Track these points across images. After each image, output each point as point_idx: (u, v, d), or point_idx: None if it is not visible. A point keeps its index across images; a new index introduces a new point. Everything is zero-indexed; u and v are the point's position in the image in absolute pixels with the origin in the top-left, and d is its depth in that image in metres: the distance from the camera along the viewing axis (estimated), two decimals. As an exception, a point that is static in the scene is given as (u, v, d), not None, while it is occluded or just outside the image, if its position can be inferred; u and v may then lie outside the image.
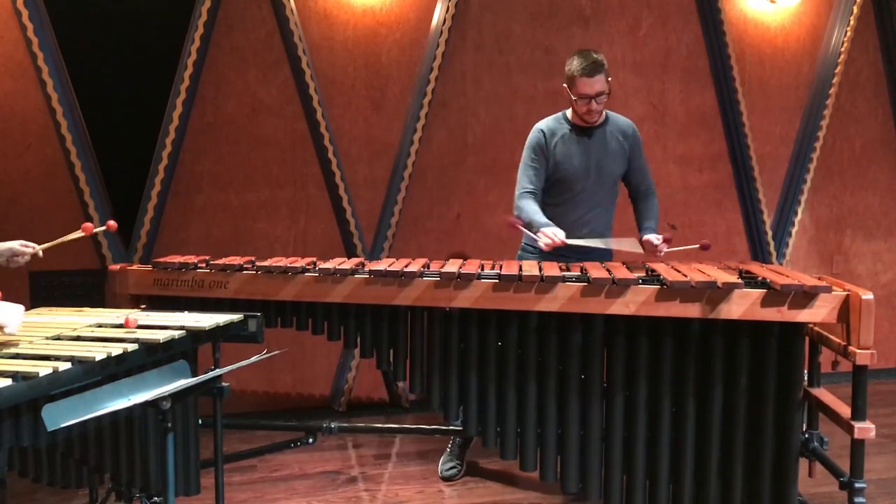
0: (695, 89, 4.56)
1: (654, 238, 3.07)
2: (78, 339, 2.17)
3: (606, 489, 2.64)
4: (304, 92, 4.03)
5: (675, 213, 4.59)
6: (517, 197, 3.13)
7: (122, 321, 2.36)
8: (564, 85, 3.10)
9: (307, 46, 4.01)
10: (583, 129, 3.14)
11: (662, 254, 3.03)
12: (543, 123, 3.19)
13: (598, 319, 2.58)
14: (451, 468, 3.34)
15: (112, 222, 2.93)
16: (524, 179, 3.13)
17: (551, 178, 3.14)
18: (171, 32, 3.88)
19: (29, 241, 2.56)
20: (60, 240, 2.70)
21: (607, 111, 3.21)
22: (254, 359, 2.14)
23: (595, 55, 3.03)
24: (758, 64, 4.63)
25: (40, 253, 2.56)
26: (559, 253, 2.95)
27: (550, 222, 2.98)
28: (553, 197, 3.17)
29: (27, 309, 2.57)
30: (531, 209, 3.04)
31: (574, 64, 3.03)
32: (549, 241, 2.89)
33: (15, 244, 2.53)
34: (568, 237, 2.94)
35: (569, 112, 3.18)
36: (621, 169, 3.21)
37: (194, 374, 2.26)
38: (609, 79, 3.07)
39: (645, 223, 3.20)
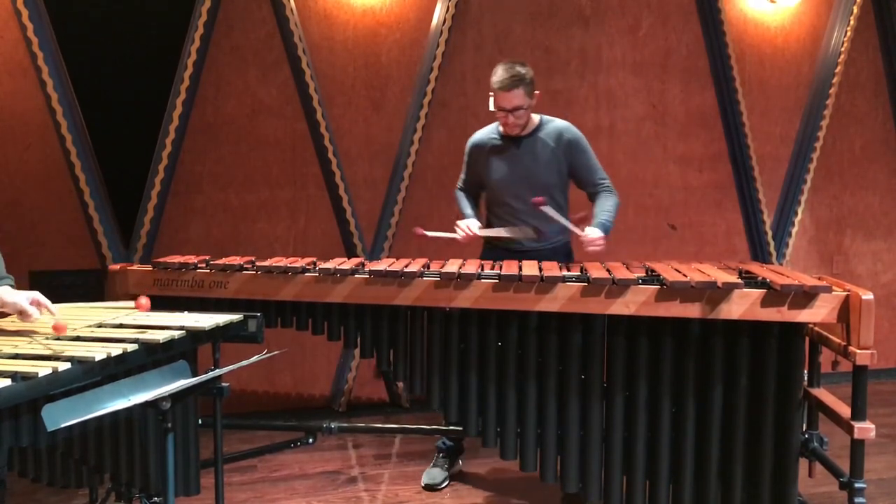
0: (695, 89, 4.56)
1: (591, 231, 2.99)
2: (78, 339, 2.16)
3: (606, 489, 2.64)
4: (304, 92, 4.03)
5: (675, 213, 4.59)
6: (457, 189, 3.37)
7: (119, 322, 2.36)
8: (490, 94, 3.07)
9: (307, 46, 4.01)
10: (512, 139, 3.13)
11: (589, 248, 2.98)
12: (476, 135, 3.26)
13: (598, 319, 2.58)
14: (438, 479, 3.29)
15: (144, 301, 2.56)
16: (463, 180, 3.35)
17: (485, 188, 3.26)
18: (171, 32, 3.88)
19: (29, 242, 2.49)
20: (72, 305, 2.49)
21: (543, 116, 3.18)
22: (254, 359, 2.14)
23: (518, 69, 2.98)
24: (758, 64, 4.63)
25: (52, 311, 2.19)
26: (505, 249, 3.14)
27: (472, 215, 3.22)
28: (491, 207, 3.26)
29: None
30: (462, 202, 3.32)
31: (495, 76, 3.01)
32: (463, 234, 3.11)
33: (23, 301, 2.16)
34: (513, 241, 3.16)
35: None
36: (557, 177, 3.13)
37: (194, 375, 2.25)
38: (536, 92, 3.05)
39: (595, 219, 3.08)
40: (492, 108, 3.05)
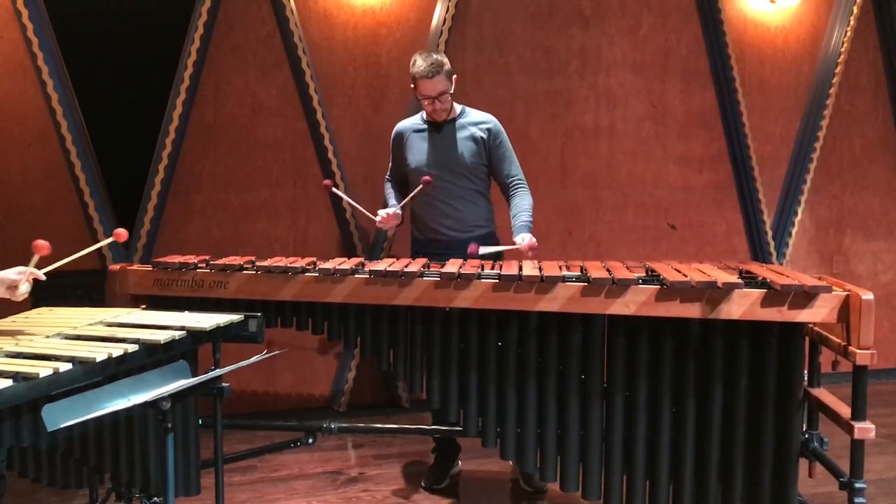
0: (695, 89, 4.56)
1: (520, 240, 3.04)
2: (78, 339, 2.17)
3: (606, 489, 2.63)
4: (304, 92, 4.03)
5: (676, 213, 4.59)
6: (385, 180, 3.49)
7: (120, 322, 2.36)
8: (412, 85, 3.17)
9: (307, 46, 4.01)
10: (434, 125, 3.25)
11: (529, 255, 3.01)
12: (402, 123, 3.36)
13: (598, 319, 2.58)
14: (438, 479, 3.30)
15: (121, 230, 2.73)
16: (390, 169, 3.45)
17: (406, 174, 3.31)
18: (171, 32, 3.88)
19: (29, 242, 2.48)
20: (67, 259, 2.46)
21: (465, 106, 3.30)
22: (254, 359, 2.14)
23: (435, 56, 3.11)
24: (758, 64, 4.63)
25: (41, 275, 2.26)
26: (437, 251, 3.12)
27: (395, 205, 3.30)
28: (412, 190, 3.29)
29: (28, 309, 2.57)
30: (388, 192, 3.43)
31: (415, 66, 3.11)
32: (382, 217, 3.20)
33: (10, 273, 2.21)
34: (433, 230, 3.25)
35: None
36: (477, 160, 3.22)
37: (194, 375, 2.26)
38: (454, 77, 3.17)
39: (514, 221, 3.15)
40: (418, 97, 3.17)
